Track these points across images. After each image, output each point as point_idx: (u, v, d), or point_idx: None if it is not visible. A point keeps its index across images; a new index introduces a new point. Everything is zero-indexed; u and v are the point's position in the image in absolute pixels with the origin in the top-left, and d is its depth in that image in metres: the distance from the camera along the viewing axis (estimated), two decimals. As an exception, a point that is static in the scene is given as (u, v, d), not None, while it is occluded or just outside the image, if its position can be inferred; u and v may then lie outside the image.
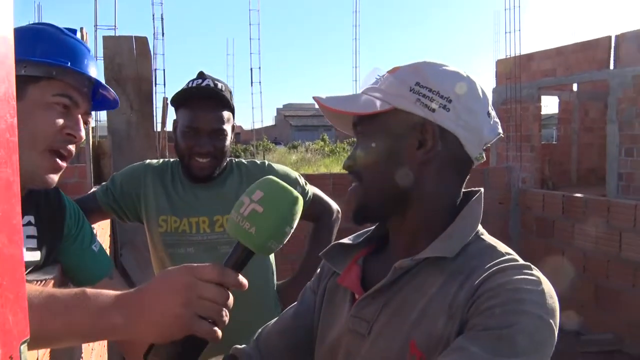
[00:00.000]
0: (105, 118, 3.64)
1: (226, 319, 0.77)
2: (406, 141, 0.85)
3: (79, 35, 1.22)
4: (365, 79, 0.92)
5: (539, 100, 10.14)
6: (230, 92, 1.74)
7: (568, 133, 11.63)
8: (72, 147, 1.14)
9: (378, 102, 0.86)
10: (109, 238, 3.09)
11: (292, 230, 0.81)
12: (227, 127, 1.71)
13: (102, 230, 2.56)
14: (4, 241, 0.54)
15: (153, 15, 8.60)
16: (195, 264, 0.77)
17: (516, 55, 7.51)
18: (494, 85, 10.62)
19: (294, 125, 52.03)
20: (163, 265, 1.77)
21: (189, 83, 1.72)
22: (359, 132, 0.91)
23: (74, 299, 0.75)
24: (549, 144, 13.58)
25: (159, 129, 5.98)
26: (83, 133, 1.16)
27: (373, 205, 0.89)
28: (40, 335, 0.71)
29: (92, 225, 2.05)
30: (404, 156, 0.86)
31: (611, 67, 8.82)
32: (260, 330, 1.07)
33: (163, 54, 11.71)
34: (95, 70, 1.19)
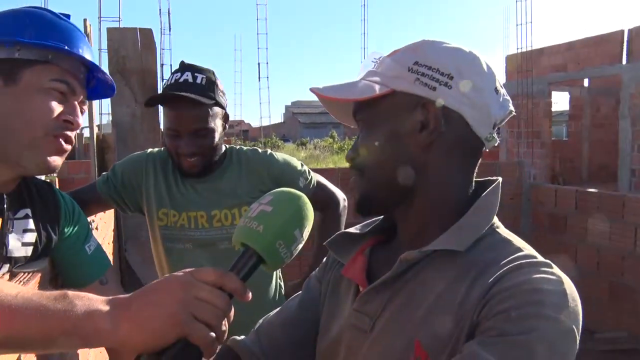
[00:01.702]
0: (110, 111, 3.59)
1: (225, 328, 0.70)
2: (407, 124, 0.79)
3: (76, 23, 1.16)
4: (364, 65, 0.86)
5: (550, 95, 10.02)
6: (215, 83, 1.62)
7: (579, 129, 11.49)
8: (70, 134, 1.09)
9: (377, 86, 0.80)
10: (112, 232, 3.04)
11: (303, 241, 0.78)
12: (213, 123, 1.60)
13: (105, 225, 2.51)
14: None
15: (160, 10, 8.55)
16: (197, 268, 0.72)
17: (527, 48, 7.39)
18: (504, 81, 10.49)
19: (303, 122, 52.03)
20: (165, 258, 1.71)
21: (169, 77, 1.63)
22: (359, 120, 0.86)
23: (53, 302, 0.67)
24: (559, 140, 13.44)
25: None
26: (81, 120, 1.11)
27: (376, 195, 0.83)
28: (13, 341, 0.65)
29: (94, 220, 2.00)
30: (406, 140, 0.79)
31: (624, 61, 8.68)
32: (261, 320, 1.00)
33: (170, 49, 11.70)
34: (90, 55, 1.13)
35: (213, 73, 1.65)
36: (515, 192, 4.89)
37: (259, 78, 14.51)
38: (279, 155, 1.77)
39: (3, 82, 1.01)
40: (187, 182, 1.69)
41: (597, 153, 11.11)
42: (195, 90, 1.55)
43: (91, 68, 1.13)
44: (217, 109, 1.62)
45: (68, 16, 1.14)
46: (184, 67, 1.62)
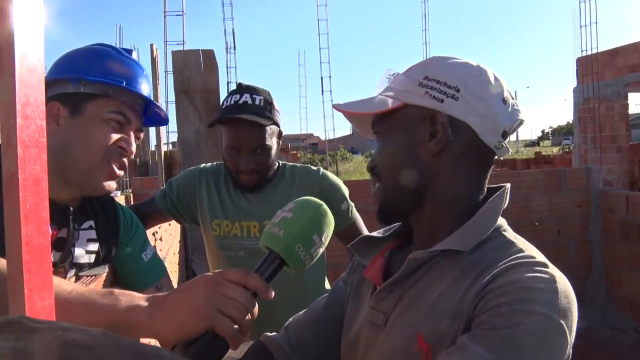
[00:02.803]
0: (176, 129, 3.81)
1: (249, 322, 0.78)
2: (418, 134, 0.86)
3: (134, 55, 1.28)
4: (380, 81, 0.93)
5: (626, 97, 9.51)
6: (271, 103, 1.72)
7: (661, 132, 10.82)
8: (124, 160, 1.20)
9: (390, 101, 0.88)
10: (179, 244, 3.21)
11: (323, 245, 0.85)
12: (270, 141, 1.70)
13: (170, 236, 2.67)
14: (33, 232, 0.58)
15: (225, 30, 8.94)
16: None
17: (592, 51, 7.07)
18: (575, 85, 10.09)
19: (370, 134, 51.76)
20: (218, 266, 1.82)
21: (227, 98, 1.73)
22: (376, 132, 0.93)
23: (101, 298, 0.80)
24: (638, 144, 12.69)
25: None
26: (134, 147, 1.22)
27: (394, 202, 0.89)
28: None
29: (158, 231, 2.15)
30: (416, 149, 0.86)
31: None
32: (291, 319, 1.08)
33: (235, 67, 12.16)
34: (148, 88, 1.25)
35: (269, 93, 1.75)
36: (583, 199, 4.71)
37: (322, 92, 14.74)
38: (332, 175, 1.85)
39: (69, 114, 1.14)
40: (241, 194, 1.79)
41: (682, 157, 10.41)
42: (254, 112, 1.66)
43: (147, 101, 1.25)
44: (273, 128, 1.72)
45: (130, 51, 1.27)
46: (242, 88, 1.73)
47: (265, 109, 1.69)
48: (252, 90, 1.71)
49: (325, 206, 0.87)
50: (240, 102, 1.68)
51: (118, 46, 1.28)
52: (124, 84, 1.18)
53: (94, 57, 1.20)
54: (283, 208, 0.87)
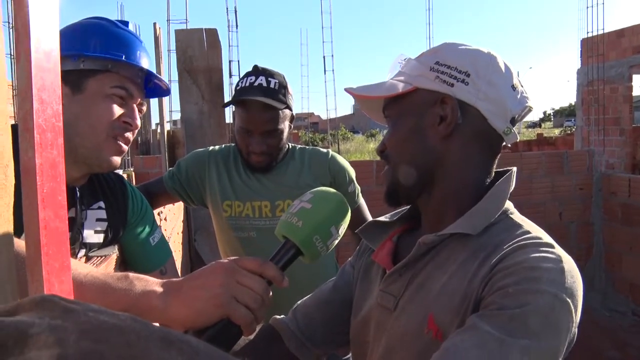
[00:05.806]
0: (179, 108, 3.79)
1: (263, 311, 0.79)
2: (428, 118, 0.87)
3: (131, 26, 1.25)
4: (392, 66, 0.94)
5: (630, 79, 9.44)
6: (285, 87, 1.74)
7: (664, 114, 10.77)
8: (129, 135, 1.20)
9: (401, 85, 0.89)
10: (182, 224, 3.22)
11: (339, 237, 0.86)
12: (282, 125, 1.72)
13: (174, 216, 2.68)
14: (51, 215, 0.58)
15: (227, 8, 8.89)
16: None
17: (598, 32, 7.01)
18: (579, 67, 10.01)
19: (371, 114, 51.56)
20: (230, 247, 1.84)
21: (243, 79, 1.74)
22: (386, 116, 0.94)
23: (116, 282, 0.80)
24: (641, 126, 12.62)
25: (232, 119, 6.12)
26: (139, 121, 1.22)
27: (402, 184, 0.90)
28: None
29: (162, 211, 2.16)
30: (426, 133, 0.87)
31: None
32: (299, 302, 1.09)
33: (237, 46, 12.14)
34: (147, 60, 1.24)
35: (284, 77, 1.77)
36: (585, 181, 4.72)
37: (325, 71, 14.71)
38: (340, 158, 1.88)
39: (71, 92, 1.13)
40: (251, 174, 1.81)
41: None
42: (268, 94, 1.68)
43: (147, 73, 1.24)
44: (286, 111, 1.75)
45: (126, 23, 1.25)
46: (258, 71, 1.74)
47: (280, 92, 1.71)
48: (267, 73, 1.73)
49: (344, 199, 0.89)
50: (256, 84, 1.69)
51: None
52: (123, 58, 1.16)
53: (91, 32, 1.18)
54: (301, 198, 0.88)
